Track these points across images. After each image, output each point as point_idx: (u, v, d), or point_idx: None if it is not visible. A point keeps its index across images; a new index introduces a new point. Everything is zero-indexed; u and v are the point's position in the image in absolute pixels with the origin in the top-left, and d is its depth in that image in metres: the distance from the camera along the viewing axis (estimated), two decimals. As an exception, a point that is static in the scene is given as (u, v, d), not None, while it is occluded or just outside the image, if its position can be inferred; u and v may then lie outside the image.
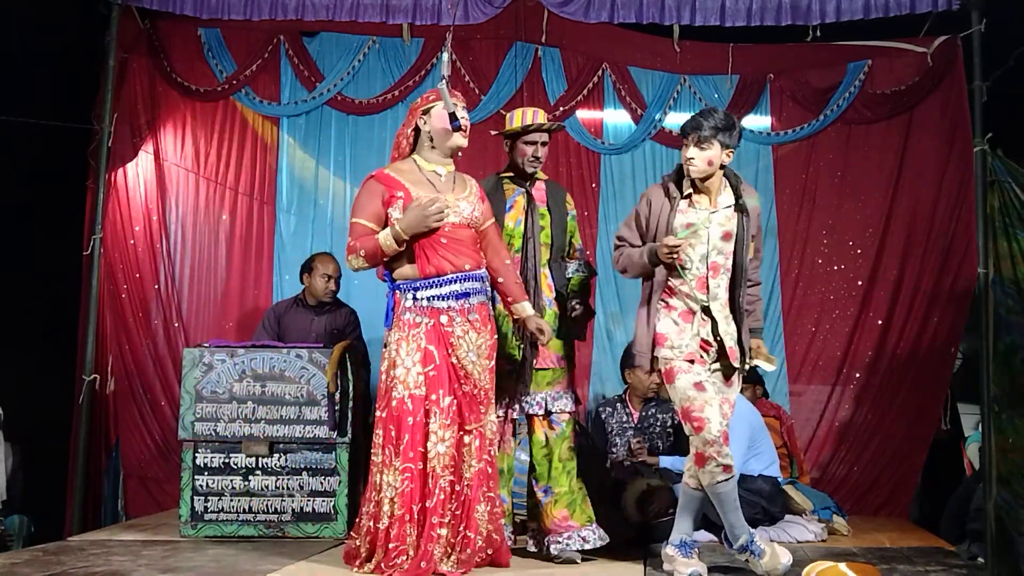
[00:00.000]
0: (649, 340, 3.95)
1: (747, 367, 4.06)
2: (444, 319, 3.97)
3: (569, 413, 4.38)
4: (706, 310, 3.93)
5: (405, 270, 4.03)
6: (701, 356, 3.91)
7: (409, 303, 3.99)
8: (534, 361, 4.31)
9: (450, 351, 3.96)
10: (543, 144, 4.40)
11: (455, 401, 3.96)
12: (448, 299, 3.97)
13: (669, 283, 3.96)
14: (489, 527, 4.04)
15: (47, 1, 5.70)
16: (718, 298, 3.94)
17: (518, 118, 4.41)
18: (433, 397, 3.91)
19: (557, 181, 5.02)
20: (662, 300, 3.98)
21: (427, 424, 3.90)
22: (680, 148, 4.00)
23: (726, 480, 3.84)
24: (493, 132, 4.79)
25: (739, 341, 3.96)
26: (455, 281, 3.97)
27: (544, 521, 4.33)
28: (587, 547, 4.27)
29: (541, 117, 4.40)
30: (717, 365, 3.96)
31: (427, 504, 3.87)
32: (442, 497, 3.88)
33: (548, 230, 4.42)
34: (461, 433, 3.99)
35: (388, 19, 5.78)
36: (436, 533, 3.86)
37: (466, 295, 3.99)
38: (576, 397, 4.46)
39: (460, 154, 4.18)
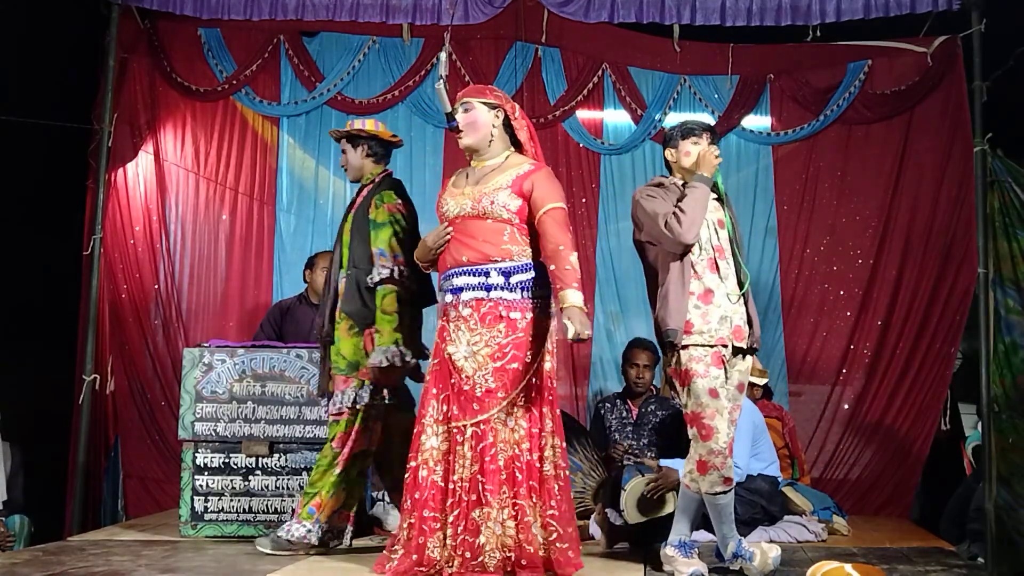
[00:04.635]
0: (682, 320, 3.86)
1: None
2: (445, 313, 3.99)
3: (335, 415, 4.35)
4: (719, 291, 3.94)
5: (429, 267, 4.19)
6: (727, 342, 3.91)
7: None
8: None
9: (445, 345, 3.97)
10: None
11: (447, 396, 3.94)
12: (446, 293, 3.98)
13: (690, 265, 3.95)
14: (520, 536, 3.76)
15: (47, 1, 5.69)
16: (728, 278, 3.97)
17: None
18: (433, 391, 3.94)
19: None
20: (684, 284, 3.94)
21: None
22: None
23: (724, 492, 3.85)
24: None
25: (748, 320, 3.98)
26: (452, 275, 3.96)
27: None
28: None
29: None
30: (736, 360, 3.96)
31: (416, 496, 3.85)
32: (433, 492, 3.84)
33: None
34: (454, 430, 3.86)
35: (388, 19, 5.78)
36: (428, 527, 3.78)
37: (459, 290, 3.92)
38: (360, 394, 4.34)
39: (469, 153, 4.08)
